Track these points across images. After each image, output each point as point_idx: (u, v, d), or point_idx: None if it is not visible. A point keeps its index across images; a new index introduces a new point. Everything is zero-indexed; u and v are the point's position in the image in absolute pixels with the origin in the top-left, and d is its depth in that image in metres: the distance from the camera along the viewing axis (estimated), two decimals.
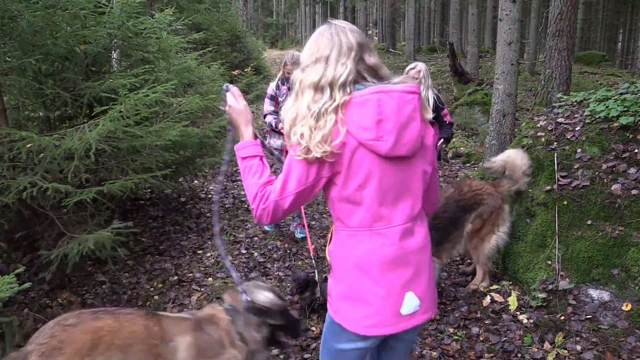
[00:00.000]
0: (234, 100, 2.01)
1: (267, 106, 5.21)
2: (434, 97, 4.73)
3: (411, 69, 4.72)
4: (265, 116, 5.24)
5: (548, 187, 4.09)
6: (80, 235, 3.78)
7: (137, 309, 2.60)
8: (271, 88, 5.24)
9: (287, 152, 1.95)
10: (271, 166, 5.54)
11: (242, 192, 6.91)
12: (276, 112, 5.13)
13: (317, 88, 1.75)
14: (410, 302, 1.83)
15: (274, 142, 5.32)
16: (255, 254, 5.09)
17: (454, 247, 4.25)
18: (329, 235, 1.99)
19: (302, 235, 5.44)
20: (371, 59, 1.81)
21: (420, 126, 1.78)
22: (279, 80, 5.22)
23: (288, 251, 5.15)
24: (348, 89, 1.73)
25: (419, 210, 1.88)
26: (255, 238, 5.45)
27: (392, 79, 1.83)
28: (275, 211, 1.78)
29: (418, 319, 1.87)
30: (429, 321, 3.84)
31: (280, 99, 5.16)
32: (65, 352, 1.98)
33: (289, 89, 4.85)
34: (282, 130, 4.68)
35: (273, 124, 5.13)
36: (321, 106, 1.72)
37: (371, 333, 1.83)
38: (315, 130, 1.70)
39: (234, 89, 2.05)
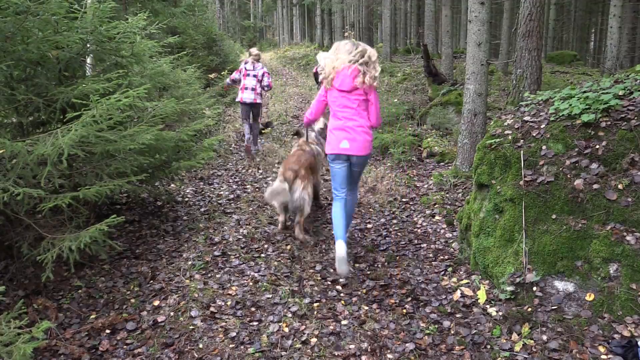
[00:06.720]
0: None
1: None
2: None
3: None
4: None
5: (515, 183, 4.22)
6: (66, 236, 3.81)
7: None
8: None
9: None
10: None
11: (220, 193, 6.94)
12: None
13: None
14: (343, 144, 4.52)
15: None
16: (232, 256, 5.13)
17: None
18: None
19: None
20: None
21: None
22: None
23: (263, 254, 5.20)
24: None
25: (359, 114, 4.55)
26: (231, 239, 5.49)
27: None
28: None
29: (349, 151, 4.53)
30: (402, 316, 3.95)
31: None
32: None
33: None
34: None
35: None
36: None
37: (330, 152, 4.65)
38: None
39: None
